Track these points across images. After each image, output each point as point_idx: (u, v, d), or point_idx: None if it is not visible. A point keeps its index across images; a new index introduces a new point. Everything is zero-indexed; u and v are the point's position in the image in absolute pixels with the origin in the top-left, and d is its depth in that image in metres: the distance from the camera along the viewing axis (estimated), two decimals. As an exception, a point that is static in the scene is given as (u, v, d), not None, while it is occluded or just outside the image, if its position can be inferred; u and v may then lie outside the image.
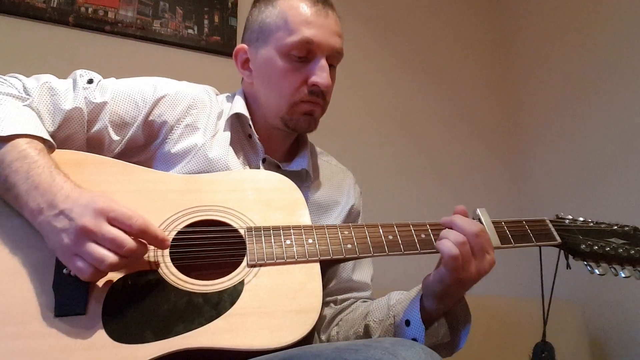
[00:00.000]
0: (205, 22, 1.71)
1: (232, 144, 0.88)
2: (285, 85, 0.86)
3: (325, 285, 0.93)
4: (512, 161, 2.08)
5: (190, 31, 1.69)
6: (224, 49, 1.70)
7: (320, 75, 0.85)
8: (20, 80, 0.79)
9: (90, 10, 1.56)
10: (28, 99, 0.76)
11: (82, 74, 0.83)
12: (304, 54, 0.85)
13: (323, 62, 0.85)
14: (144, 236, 0.63)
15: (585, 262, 0.85)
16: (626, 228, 0.90)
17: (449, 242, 0.72)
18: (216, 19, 1.73)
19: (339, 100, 1.89)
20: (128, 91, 0.84)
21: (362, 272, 0.98)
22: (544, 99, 1.99)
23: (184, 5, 1.70)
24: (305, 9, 0.86)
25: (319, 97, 0.87)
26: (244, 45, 0.92)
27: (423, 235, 0.77)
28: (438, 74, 2.06)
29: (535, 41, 2.06)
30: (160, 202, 0.72)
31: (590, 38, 1.81)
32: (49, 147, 0.73)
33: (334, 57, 0.89)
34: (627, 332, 1.58)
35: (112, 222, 0.61)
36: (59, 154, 0.73)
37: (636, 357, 1.53)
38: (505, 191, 2.04)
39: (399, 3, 2.06)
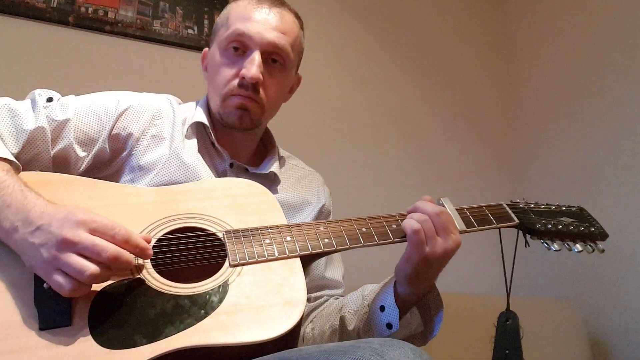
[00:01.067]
0: (205, 22, 1.55)
1: (199, 151, 0.79)
2: (219, 79, 0.78)
3: None
4: (511, 161, 1.93)
5: (190, 31, 1.54)
6: (224, 48, 1.59)
7: (247, 67, 0.75)
8: None
9: (90, 10, 1.40)
10: None
11: (40, 93, 0.72)
12: (238, 46, 0.77)
13: (254, 55, 0.76)
14: (126, 246, 0.55)
15: (542, 240, 0.81)
16: (573, 208, 0.87)
17: (411, 220, 0.68)
18: (216, 18, 1.60)
19: (337, 99, 1.73)
20: (90, 106, 0.74)
21: (334, 270, 0.91)
22: (544, 99, 1.83)
23: (184, 5, 1.53)
24: (247, 7, 0.78)
25: (249, 90, 0.76)
26: (206, 49, 0.86)
27: (394, 226, 0.71)
28: (437, 73, 1.89)
29: (535, 40, 1.88)
30: (135, 214, 0.63)
31: (590, 37, 1.66)
32: (15, 168, 0.63)
33: (273, 53, 0.78)
34: (627, 331, 1.48)
35: (94, 233, 0.53)
36: (25, 175, 0.63)
37: (636, 357, 1.44)
38: (504, 191, 1.89)
39: (398, 1, 1.87)
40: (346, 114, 1.70)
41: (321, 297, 0.88)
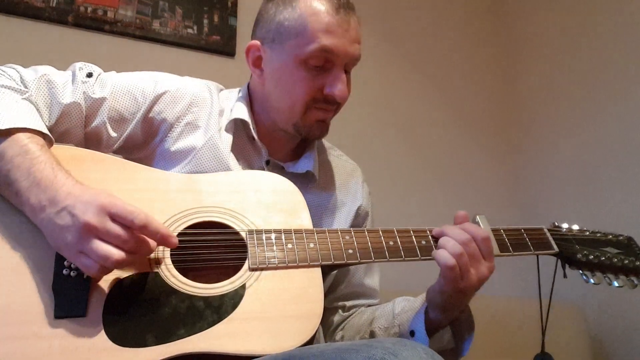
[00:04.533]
0: (205, 21, 1.71)
1: (233, 147, 0.87)
2: (300, 93, 0.84)
3: (334, 288, 0.94)
4: (513, 164, 2.11)
5: (189, 30, 1.69)
6: (224, 48, 1.71)
7: (336, 86, 0.83)
8: (17, 71, 0.77)
9: (89, 9, 1.56)
10: (26, 91, 0.75)
11: (81, 67, 0.82)
12: (321, 63, 0.83)
13: (341, 74, 0.84)
14: (145, 232, 0.62)
15: (581, 271, 0.87)
16: (620, 237, 0.92)
17: (445, 253, 0.72)
18: (216, 18, 1.73)
19: None
20: (128, 86, 0.83)
21: (373, 277, 0.98)
22: (545, 103, 2.01)
23: (184, 4, 1.70)
24: (327, 17, 0.82)
25: (333, 104, 0.86)
26: (258, 43, 0.88)
27: (424, 242, 0.78)
28: (438, 76, 2.08)
29: (536, 44, 2.08)
30: (161, 202, 0.72)
31: (591, 40, 1.84)
32: (48, 141, 0.72)
33: (351, 64, 0.88)
34: (627, 331, 1.60)
35: (114, 217, 0.61)
36: (57, 149, 0.72)
37: (636, 357, 1.55)
38: (505, 194, 2.06)
39: (399, 4, 2.07)
40: (345, 116, 1.80)
41: (355, 306, 0.95)
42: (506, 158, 2.11)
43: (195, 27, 1.70)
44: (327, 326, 0.94)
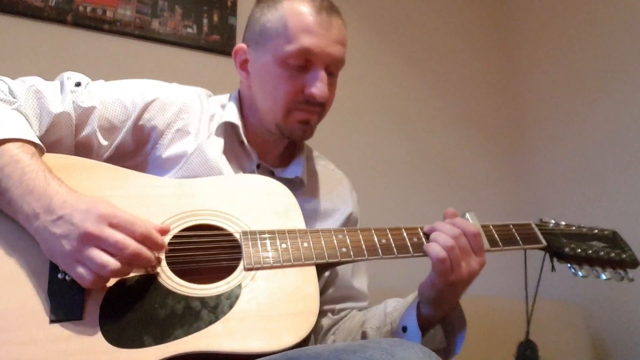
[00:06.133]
0: (205, 21, 1.68)
1: (225, 151, 0.85)
2: (281, 93, 0.83)
3: (323, 291, 0.92)
4: (514, 163, 2.07)
5: (189, 30, 1.66)
6: (224, 48, 1.67)
7: (316, 86, 0.81)
8: (5, 82, 0.75)
9: (88, 9, 1.52)
10: (15, 102, 0.73)
11: (69, 77, 0.80)
12: (301, 63, 0.81)
13: (321, 74, 0.82)
14: (146, 242, 0.61)
15: (569, 265, 0.87)
16: (606, 232, 0.92)
17: (437, 246, 0.72)
18: (215, 17, 1.70)
19: (339, 99, 1.89)
20: (117, 94, 0.81)
21: (361, 279, 0.96)
22: (547, 101, 1.98)
23: (183, 4, 1.66)
24: (308, 17, 0.81)
25: (316, 106, 0.84)
26: (244, 45, 0.88)
27: (415, 239, 0.77)
28: (440, 75, 2.04)
29: (538, 42, 2.05)
30: (154, 207, 0.70)
31: (593, 40, 1.81)
32: (39, 150, 0.70)
33: (334, 66, 0.85)
34: (628, 331, 1.58)
35: (115, 228, 0.60)
36: (49, 158, 0.70)
37: (637, 357, 1.53)
38: (506, 193, 2.02)
39: (401, 3, 2.04)
40: (346, 115, 1.79)
41: (345, 309, 0.94)
42: (505, 158, 2.07)
43: (194, 27, 1.66)
44: (318, 330, 0.93)
